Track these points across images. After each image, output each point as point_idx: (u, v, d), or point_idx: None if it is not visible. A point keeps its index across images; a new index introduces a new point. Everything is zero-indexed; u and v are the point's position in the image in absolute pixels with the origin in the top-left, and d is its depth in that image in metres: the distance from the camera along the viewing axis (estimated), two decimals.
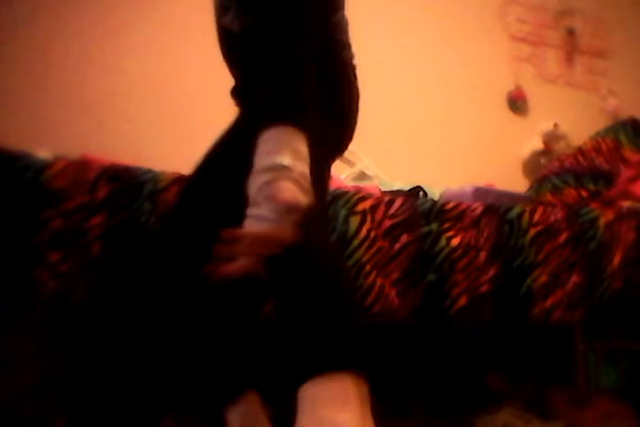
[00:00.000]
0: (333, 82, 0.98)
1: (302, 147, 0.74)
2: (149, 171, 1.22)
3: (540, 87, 2.89)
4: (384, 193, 1.72)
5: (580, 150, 2.30)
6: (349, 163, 2.42)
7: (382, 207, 1.41)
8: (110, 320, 1.01)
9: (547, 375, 1.81)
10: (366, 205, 1.40)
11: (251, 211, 0.72)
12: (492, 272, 1.47)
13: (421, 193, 1.81)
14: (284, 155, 0.72)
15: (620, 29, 3.10)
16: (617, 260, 1.60)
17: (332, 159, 1.06)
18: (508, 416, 1.59)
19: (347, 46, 1.03)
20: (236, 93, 1.03)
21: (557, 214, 1.58)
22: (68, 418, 1.16)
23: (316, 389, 0.72)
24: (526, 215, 1.55)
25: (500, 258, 1.49)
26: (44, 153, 1.33)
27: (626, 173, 2.10)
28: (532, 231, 1.54)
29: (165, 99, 2.14)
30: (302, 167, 0.73)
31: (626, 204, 1.92)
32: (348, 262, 1.33)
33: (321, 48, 0.90)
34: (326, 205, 1.09)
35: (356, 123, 1.05)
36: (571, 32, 3.00)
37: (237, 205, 0.94)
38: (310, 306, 0.78)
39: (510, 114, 2.83)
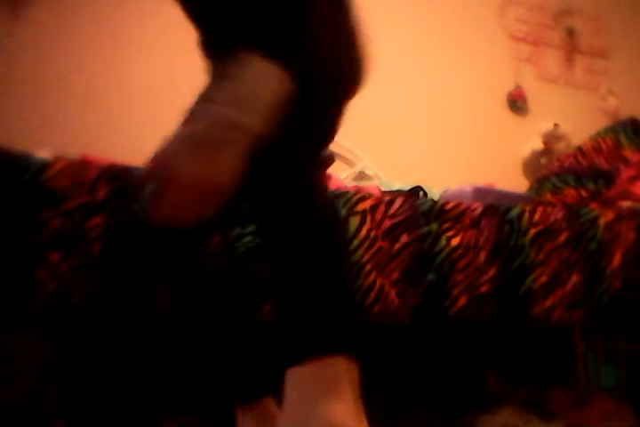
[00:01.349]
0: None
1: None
2: None
3: (540, 87, 2.89)
4: (384, 193, 1.72)
5: (580, 150, 2.30)
6: (349, 163, 2.42)
7: (382, 207, 1.41)
8: (111, 320, 1.01)
9: (547, 375, 1.81)
10: (366, 205, 1.40)
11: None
12: (492, 272, 1.47)
13: (421, 193, 1.81)
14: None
15: (620, 29, 3.10)
16: (617, 260, 1.60)
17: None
18: (507, 417, 1.59)
19: None
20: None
21: (557, 214, 1.58)
22: (68, 418, 1.16)
23: (306, 374, 0.70)
24: (526, 215, 1.55)
25: (500, 258, 1.49)
26: (44, 153, 1.33)
27: (626, 173, 2.10)
28: (532, 231, 1.54)
29: (167, 99, 2.14)
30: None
31: (626, 204, 1.92)
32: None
33: None
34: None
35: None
36: (571, 32, 3.00)
37: None
38: (303, 281, 0.74)
39: (510, 114, 2.83)
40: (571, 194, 2.13)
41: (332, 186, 1.74)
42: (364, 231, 1.36)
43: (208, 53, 0.74)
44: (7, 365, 1.13)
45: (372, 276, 1.35)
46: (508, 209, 1.55)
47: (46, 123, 2.00)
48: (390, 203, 1.43)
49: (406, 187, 1.86)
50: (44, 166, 1.18)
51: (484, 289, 1.45)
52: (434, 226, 1.44)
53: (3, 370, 1.12)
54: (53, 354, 1.20)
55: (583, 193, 2.12)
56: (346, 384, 0.70)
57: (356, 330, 0.75)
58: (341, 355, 0.71)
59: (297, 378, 0.70)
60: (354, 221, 1.36)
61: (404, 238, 1.40)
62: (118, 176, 1.22)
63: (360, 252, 1.35)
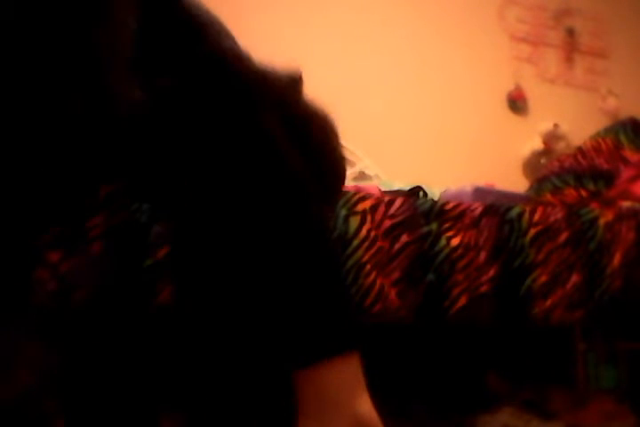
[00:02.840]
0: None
1: None
2: None
3: (540, 87, 2.89)
4: (384, 193, 1.71)
5: (580, 150, 2.30)
6: (349, 163, 2.42)
7: (382, 207, 1.41)
8: (110, 320, 1.01)
9: (547, 375, 1.81)
10: (366, 205, 1.39)
11: None
12: (492, 272, 1.47)
13: (421, 193, 1.81)
14: None
15: (620, 29, 3.10)
16: (617, 260, 1.60)
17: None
18: (507, 416, 1.59)
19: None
20: None
21: (557, 214, 1.58)
22: (66, 418, 1.16)
23: (327, 374, 0.69)
24: (526, 215, 1.55)
25: (500, 258, 1.49)
26: None
27: (626, 173, 2.10)
28: (532, 231, 1.54)
29: None
30: None
31: (626, 204, 1.92)
32: (348, 263, 1.33)
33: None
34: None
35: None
36: (571, 32, 3.00)
37: None
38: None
39: (510, 114, 2.83)
40: (571, 194, 2.13)
41: None
42: (363, 231, 1.36)
43: None
44: (6, 364, 1.13)
45: (372, 276, 1.35)
46: (508, 209, 1.55)
47: None
48: (390, 203, 1.42)
49: (406, 187, 1.86)
50: None
51: (483, 289, 1.45)
52: (434, 226, 1.44)
53: (2, 370, 1.12)
54: (52, 353, 1.21)
55: (583, 193, 2.12)
56: (362, 380, 0.71)
57: (357, 323, 0.74)
58: (352, 351, 0.71)
59: (315, 377, 0.70)
60: (354, 221, 1.36)
61: (404, 238, 1.40)
62: None
63: (360, 252, 1.35)
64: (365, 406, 0.70)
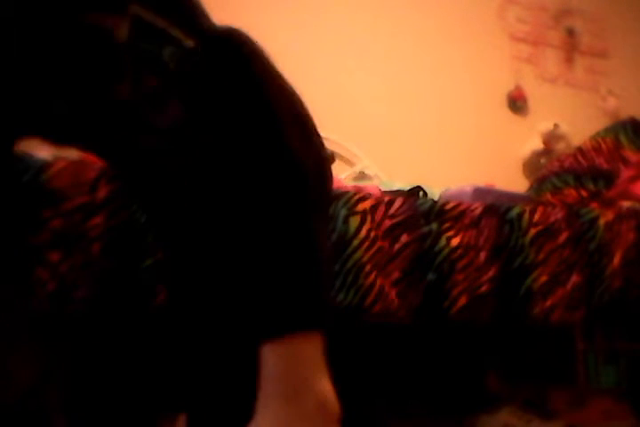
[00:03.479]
0: None
1: None
2: None
3: (540, 87, 2.89)
4: (384, 193, 1.72)
5: (580, 150, 2.30)
6: (349, 163, 2.42)
7: (382, 207, 1.41)
8: (110, 320, 1.01)
9: (547, 375, 1.81)
10: (366, 205, 1.40)
11: None
12: (491, 272, 1.47)
13: (421, 193, 1.81)
14: None
15: (620, 29, 3.10)
16: (617, 260, 1.60)
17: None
18: (508, 416, 1.59)
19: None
20: None
21: (557, 214, 1.58)
22: (67, 418, 1.16)
23: (292, 349, 0.69)
24: (526, 215, 1.55)
25: (500, 258, 1.49)
26: (43, 153, 1.33)
27: (626, 173, 2.10)
28: (532, 231, 1.54)
29: None
30: None
31: (626, 204, 1.92)
32: (348, 262, 1.33)
33: None
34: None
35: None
36: (571, 32, 3.00)
37: None
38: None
39: (510, 114, 2.83)
40: (571, 194, 2.13)
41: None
42: (363, 231, 1.36)
43: None
44: (6, 365, 1.13)
45: (372, 276, 1.35)
46: (508, 209, 1.55)
47: None
48: (390, 203, 1.43)
49: (406, 187, 1.86)
50: (44, 166, 1.18)
51: (484, 289, 1.45)
52: (434, 226, 1.44)
53: (2, 370, 1.12)
54: (53, 354, 1.21)
55: (583, 193, 2.12)
56: (324, 360, 0.71)
57: (327, 307, 0.74)
58: (319, 331, 0.71)
59: (282, 352, 0.69)
60: (354, 221, 1.36)
61: (404, 238, 1.40)
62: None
63: (360, 252, 1.35)
64: (328, 386, 0.71)
